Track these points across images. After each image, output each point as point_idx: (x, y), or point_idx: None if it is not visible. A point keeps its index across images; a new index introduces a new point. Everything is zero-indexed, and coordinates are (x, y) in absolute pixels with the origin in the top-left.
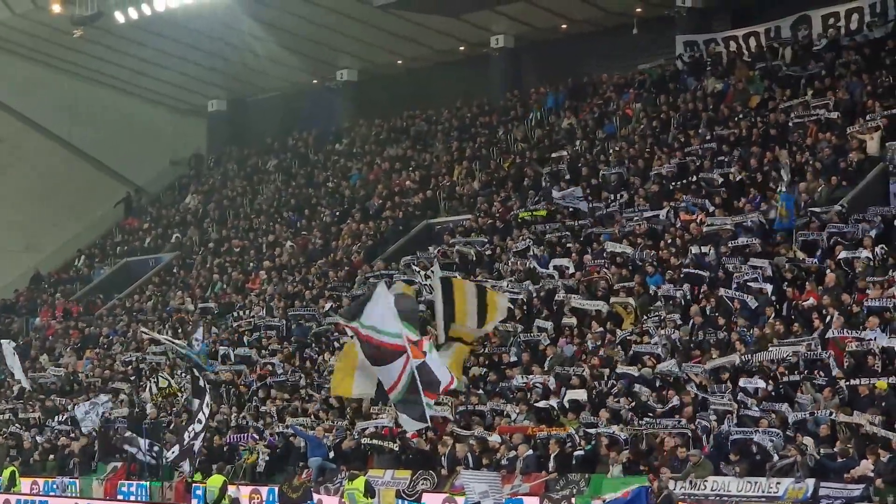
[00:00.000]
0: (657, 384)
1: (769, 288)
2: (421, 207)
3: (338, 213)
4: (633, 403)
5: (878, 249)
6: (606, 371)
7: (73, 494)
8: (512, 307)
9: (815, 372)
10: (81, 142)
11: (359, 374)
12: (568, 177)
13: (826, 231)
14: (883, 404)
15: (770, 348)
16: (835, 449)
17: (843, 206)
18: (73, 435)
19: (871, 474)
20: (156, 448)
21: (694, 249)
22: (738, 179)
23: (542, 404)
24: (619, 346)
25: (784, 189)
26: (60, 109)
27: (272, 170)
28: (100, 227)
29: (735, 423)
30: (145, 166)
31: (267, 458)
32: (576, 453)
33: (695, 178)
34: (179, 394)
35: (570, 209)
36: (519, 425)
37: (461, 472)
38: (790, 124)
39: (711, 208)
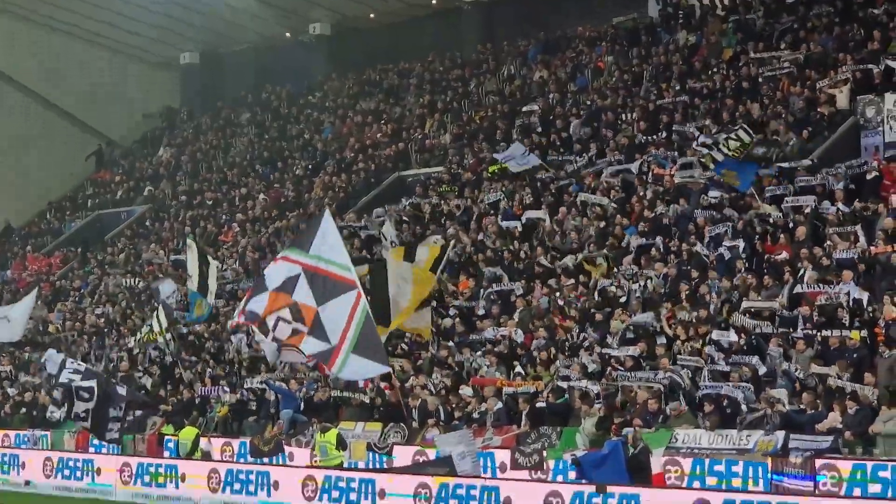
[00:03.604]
0: (629, 336)
1: (741, 244)
2: (393, 160)
3: (310, 166)
4: (602, 352)
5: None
6: (589, 320)
7: (45, 447)
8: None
9: (788, 326)
10: (53, 95)
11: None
12: (539, 129)
13: (795, 184)
14: (855, 356)
15: (744, 302)
16: (803, 402)
17: (813, 160)
18: (45, 389)
19: (840, 426)
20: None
21: (666, 203)
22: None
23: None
24: (596, 296)
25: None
26: (32, 63)
27: (245, 123)
28: (71, 180)
29: (707, 377)
30: (117, 119)
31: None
32: (538, 404)
33: (666, 132)
34: (160, 338)
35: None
36: (489, 378)
37: (437, 439)
38: (761, 78)
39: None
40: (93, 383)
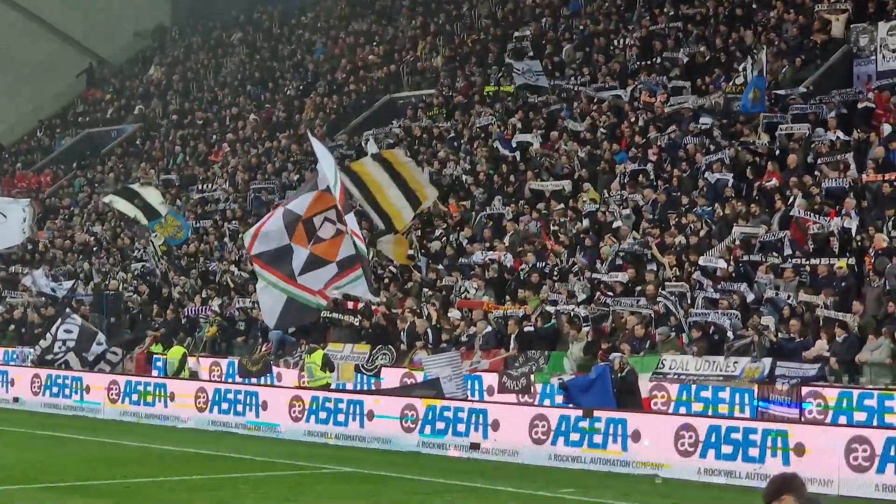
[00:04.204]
0: (618, 262)
1: (731, 172)
2: (384, 82)
3: (301, 87)
4: (591, 277)
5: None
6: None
7: (34, 364)
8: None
9: (775, 253)
10: (44, 12)
11: None
12: (531, 54)
13: (789, 113)
14: (843, 285)
15: (734, 229)
16: (791, 332)
17: (807, 88)
18: (35, 304)
19: (827, 354)
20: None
21: (657, 129)
22: (706, 59)
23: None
24: (585, 220)
25: (757, 73)
26: None
27: (236, 43)
28: (62, 97)
29: (697, 304)
30: (109, 37)
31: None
32: (526, 329)
33: (659, 59)
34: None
35: (531, 85)
36: (475, 301)
37: (423, 361)
38: (755, 4)
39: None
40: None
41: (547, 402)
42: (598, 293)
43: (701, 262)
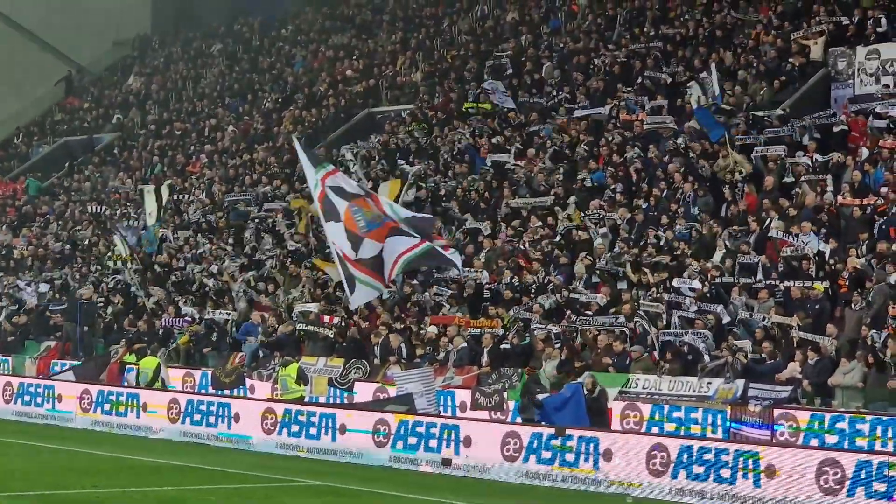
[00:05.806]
0: (593, 280)
1: (708, 192)
2: (363, 96)
3: (280, 100)
4: (569, 297)
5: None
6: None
7: (6, 372)
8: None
9: (749, 274)
10: (23, 18)
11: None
12: (510, 71)
13: (764, 134)
14: (816, 307)
15: (716, 253)
16: (764, 353)
17: (784, 110)
18: (8, 312)
19: (800, 376)
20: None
21: (635, 148)
22: (685, 79)
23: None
24: (559, 238)
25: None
26: None
27: (216, 54)
28: (40, 105)
29: (673, 324)
30: (88, 45)
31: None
32: (503, 346)
33: (640, 78)
34: (129, 262)
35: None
36: (447, 316)
37: (395, 376)
38: (736, 26)
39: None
40: None
41: (520, 419)
42: (568, 311)
43: (675, 283)
